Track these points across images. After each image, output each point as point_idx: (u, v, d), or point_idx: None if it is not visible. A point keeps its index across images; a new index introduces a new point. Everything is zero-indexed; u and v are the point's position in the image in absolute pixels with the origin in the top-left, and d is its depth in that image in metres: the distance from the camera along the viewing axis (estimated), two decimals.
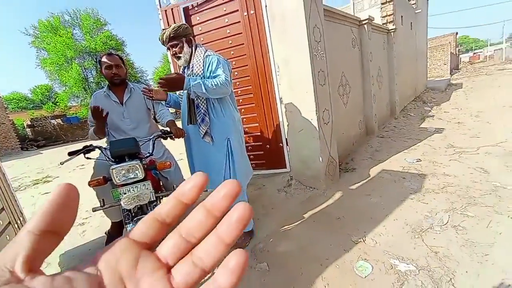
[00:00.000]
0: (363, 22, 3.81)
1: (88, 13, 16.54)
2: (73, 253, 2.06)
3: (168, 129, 1.74)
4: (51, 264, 1.93)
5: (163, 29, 1.64)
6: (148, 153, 1.54)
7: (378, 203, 2.12)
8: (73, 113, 17.58)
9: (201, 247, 0.19)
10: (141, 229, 0.20)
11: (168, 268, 0.19)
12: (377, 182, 2.52)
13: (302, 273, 1.48)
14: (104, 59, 1.77)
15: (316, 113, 2.32)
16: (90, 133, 1.76)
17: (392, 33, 5.15)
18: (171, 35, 1.58)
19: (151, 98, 1.62)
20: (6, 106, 12.76)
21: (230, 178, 1.63)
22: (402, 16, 5.89)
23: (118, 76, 1.79)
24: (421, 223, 1.79)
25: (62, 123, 15.38)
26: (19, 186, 4.84)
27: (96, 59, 15.57)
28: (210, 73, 1.60)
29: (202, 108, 1.65)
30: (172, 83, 1.47)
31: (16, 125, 13.40)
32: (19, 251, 0.16)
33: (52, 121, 15.27)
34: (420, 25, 7.91)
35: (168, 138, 1.70)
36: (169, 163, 1.55)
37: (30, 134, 14.38)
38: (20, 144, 12.04)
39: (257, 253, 1.70)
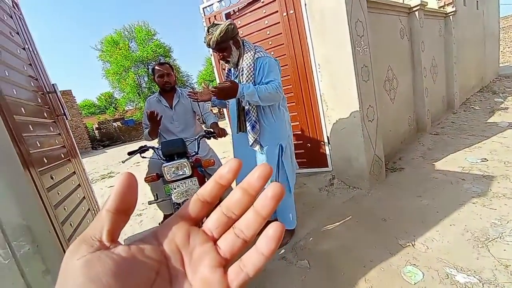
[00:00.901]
0: (414, 9, 3.48)
1: (140, 26, 18.40)
2: (135, 238, 2.37)
3: (211, 130, 1.88)
4: None
5: (209, 29, 1.54)
6: (194, 152, 1.70)
7: (431, 205, 1.95)
8: (129, 116, 19.73)
9: (241, 221, 0.21)
10: (187, 208, 0.22)
11: (214, 240, 0.22)
12: (429, 183, 2.30)
13: (344, 273, 1.46)
14: (156, 68, 1.99)
15: (360, 111, 2.22)
16: (145, 135, 1.96)
17: (451, 16, 4.58)
18: (218, 40, 1.49)
19: (196, 100, 1.75)
20: (80, 112, 15.02)
21: (278, 181, 1.67)
22: None
23: (169, 83, 2.00)
24: (487, 231, 1.59)
25: (121, 125, 17.44)
26: (91, 180, 5.69)
27: (148, 67, 17.27)
28: (262, 78, 1.55)
29: (252, 115, 1.60)
30: (226, 91, 1.43)
31: (87, 128, 15.65)
32: (104, 225, 0.19)
33: (114, 124, 17.43)
34: (489, 3, 6.83)
35: (212, 138, 1.83)
36: (213, 160, 1.68)
37: (98, 135, 16.63)
38: (91, 144, 14.07)
39: (298, 251, 1.73)
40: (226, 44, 1.53)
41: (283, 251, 1.75)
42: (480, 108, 4.90)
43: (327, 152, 2.72)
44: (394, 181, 2.49)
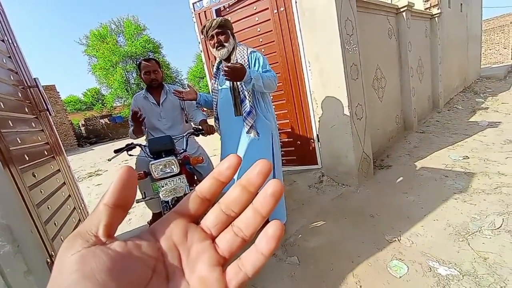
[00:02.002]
0: (401, 10, 3.56)
1: (130, 20, 17.92)
2: (123, 237, 2.32)
3: (200, 127, 1.86)
4: None
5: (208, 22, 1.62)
6: (182, 149, 1.68)
7: (416, 201, 2.01)
8: (117, 113, 19.27)
9: (240, 219, 0.21)
10: (185, 205, 0.22)
11: (213, 238, 0.21)
12: (415, 180, 2.37)
13: (332, 268, 1.49)
14: (143, 64, 1.94)
15: (349, 108, 2.26)
16: (130, 133, 1.93)
17: (436, 18, 4.71)
18: (221, 23, 1.58)
19: (182, 99, 1.73)
20: (65, 108, 14.51)
21: (274, 169, 1.68)
22: None
23: (156, 80, 1.96)
24: (467, 225, 1.65)
25: (108, 122, 16.99)
26: (78, 178, 5.52)
27: (136, 62, 16.88)
28: (258, 68, 1.63)
29: (248, 101, 1.63)
30: (236, 71, 1.45)
31: (73, 125, 15.16)
32: (100, 219, 0.19)
33: (101, 120, 16.96)
34: (472, 6, 7.06)
35: (200, 135, 1.82)
36: (201, 158, 1.67)
37: (84, 132, 16.15)
38: (76, 141, 13.64)
39: (288, 247, 1.75)
40: (226, 30, 1.62)
41: None
42: (463, 107, 5.08)
43: (317, 149, 2.75)
44: (382, 178, 2.55)
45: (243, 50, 1.65)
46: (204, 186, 0.22)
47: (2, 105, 1.29)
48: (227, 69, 1.42)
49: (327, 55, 2.27)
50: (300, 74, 2.61)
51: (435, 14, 4.70)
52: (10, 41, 1.65)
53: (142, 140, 1.95)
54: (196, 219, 0.22)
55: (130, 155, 1.68)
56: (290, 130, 2.86)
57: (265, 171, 0.20)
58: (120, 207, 0.20)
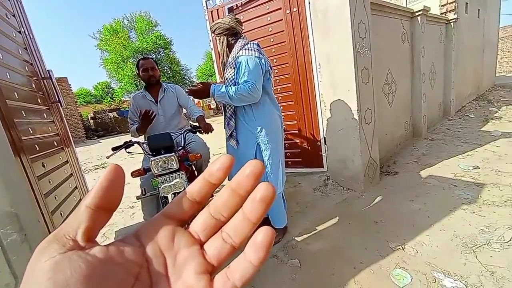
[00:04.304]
0: (417, 14, 3.49)
1: (142, 16, 18.11)
2: (126, 231, 2.35)
3: (197, 124, 1.87)
4: (108, 238, 2.24)
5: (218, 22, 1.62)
6: (180, 146, 1.69)
7: (422, 210, 1.97)
8: (126, 107, 19.53)
9: (229, 225, 0.20)
10: (174, 207, 0.21)
11: (201, 244, 0.20)
12: (422, 188, 2.33)
13: (334, 273, 1.47)
14: (141, 62, 1.98)
15: (358, 112, 2.23)
16: (132, 130, 1.94)
17: (452, 23, 4.61)
18: (212, 30, 1.60)
19: (193, 95, 1.74)
20: (76, 100, 14.78)
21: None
22: (467, 3, 5.21)
23: (153, 77, 1.98)
24: (475, 237, 1.61)
25: (117, 116, 17.23)
26: (84, 169, 5.62)
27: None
28: (241, 77, 1.52)
29: (228, 112, 1.64)
30: (198, 93, 1.54)
31: (82, 117, 15.43)
32: (80, 222, 0.17)
33: (110, 114, 17.22)
34: (490, 12, 6.88)
35: (197, 132, 1.83)
36: (199, 154, 1.68)
37: (93, 125, 16.42)
38: (85, 133, 13.88)
39: (289, 249, 1.73)
40: (233, 32, 1.59)
41: (275, 249, 1.75)
42: (475, 116, 4.96)
43: (323, 152, 2.72)
44: (388, 184, 2.51)
45: (233, 55, 1.57)
46: (194, 188, 0.20)
47: (16, 95, 1.31)
48: (188, 92, 1.54)
49: (339, 58, 2.24)
50: (310, 76, 2.59)
51: (451, 19, 4.60)
52: (27, 33, 1.69)
53: (140, 138, 1.97)
54: (184, 223, 0.21)
55: (128, 152, 1.70)
56: (297, 131, 2.84)
57: (257, 172, 0.19)
58: (104, 209, 0.18)
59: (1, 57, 1.28)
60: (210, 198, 0.22)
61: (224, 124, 1.71)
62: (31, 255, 0.16)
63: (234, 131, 1.66)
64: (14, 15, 1.57)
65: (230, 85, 1.53)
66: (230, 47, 1.62)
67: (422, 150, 3.34)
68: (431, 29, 4.08)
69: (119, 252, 0.18)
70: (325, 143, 2.63)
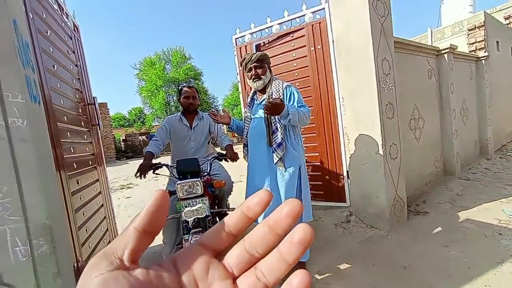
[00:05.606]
0: (443, 52, 3.48)
1: (177, 50, 20.07)
2: (145, 253, 2.34)
3: (224, 152, 1.92)
4: None
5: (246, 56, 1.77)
6: (206, 172, 1.73)
7: (460, 258, 1.76)
8: (155, 131, 20.68)
9: (264, 263, 0.19)
10: (211, 237, 0.21)
11: (234, 278, 0.20)
12: (458, 233, 2.11)
13: None
14: (184, 89, 2.13)
15: (382, 147, 2.17)
16: (149, 146, 1.93)
17: (483, 60, 4.51)
18: (260, 57, 1.70)
19: (216, 121, 1.83)
20: (111, 123, 16.07)
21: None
22: (497, 42, 5.12)
23: (193, 105, 2.11)
24: None
25: (146, 139, 18.27)
26: (111, 188, 5.89)
27: (178, 87, 18.48)
28: (293, 103, 1.69)
29: (280, 134, 1.66)
30: (276, 106, 1.51)
31: (115, 139, 16.59)
32: (128, 243, 0.18)
33: (139, 137, 18.36)
34: None
35: (223, 160, 1.87)
36: (224, 182, 1.69)
37: (123, 147, 17.51)
38: (115, 154, 14.79)
39: None
40: (264, 64, 1.73)
41: None
42: None
43: (346, 186, 2.63)
44: (417, 225, 2.31)
45: (279, 84, 1.74)
46: (231, 220, 0.21)
47: (65, 118, 1.48)
48: (268, 104, 1.49)
49: (362, 92, 2.27)
50: (333, 109, 2.62)
51: (481, 57, 4.51)
52: (81, 66, 1.95)
53: (167, 160, 2.01)
54: (219, 254, 0.21)
55: (156, 174, 1.77)
56: (319, 163, 2.80)
57: (295, 212, 0.19)
58: (148, 233, 0.19)
59: (59, 86, 1.48)
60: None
61: (273, 147, 1.69)
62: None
63: (284, 155, 1.68)
64: (73, 51, 1.84)
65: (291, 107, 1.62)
66: (266, 72, 1.74)
67: (457, 190, 3.08)
68: (460, 66, 4.02)
69: (158, 277, 0.18)
70: (348, 177, 2.54)
